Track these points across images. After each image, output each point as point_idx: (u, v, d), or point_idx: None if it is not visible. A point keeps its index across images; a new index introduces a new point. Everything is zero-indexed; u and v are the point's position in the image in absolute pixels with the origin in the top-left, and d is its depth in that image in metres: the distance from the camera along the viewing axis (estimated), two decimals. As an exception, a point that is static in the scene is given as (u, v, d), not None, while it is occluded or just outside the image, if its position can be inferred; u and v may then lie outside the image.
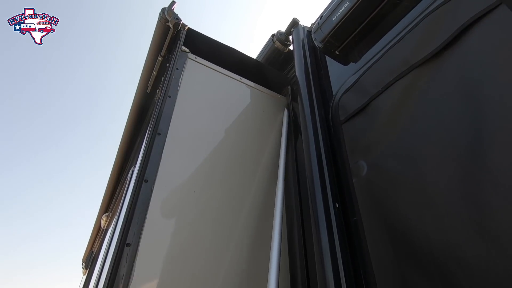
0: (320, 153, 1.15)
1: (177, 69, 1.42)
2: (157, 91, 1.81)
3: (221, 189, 1.27)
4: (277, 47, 1.87)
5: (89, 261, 3.29)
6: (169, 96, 1.30)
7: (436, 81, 0.90)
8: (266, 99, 1.77)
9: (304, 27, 1.74)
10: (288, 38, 1.85)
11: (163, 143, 1.18)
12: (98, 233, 3.34)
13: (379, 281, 0.84)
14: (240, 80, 1.72)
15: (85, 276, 3.54)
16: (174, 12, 1.46)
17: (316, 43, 1.49)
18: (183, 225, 1.10)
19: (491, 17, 0.80)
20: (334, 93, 1.34)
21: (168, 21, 1.46)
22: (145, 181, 1.05)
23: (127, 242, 0.91)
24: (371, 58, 1.19)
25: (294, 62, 1.60)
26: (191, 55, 1.56)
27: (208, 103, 1.48)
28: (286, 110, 1.74)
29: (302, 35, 1.68)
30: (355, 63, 1.31)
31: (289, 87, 1.85)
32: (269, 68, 1.88)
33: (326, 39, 1.40)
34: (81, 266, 4.07)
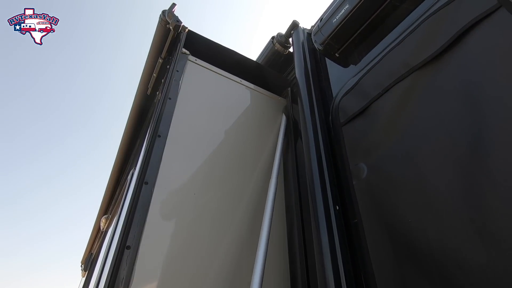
0: (320, 155, 1.15)
1: (177, 71, 1.42)
2: (157, 93, 1.82)
3: (221, 191, 1.27)
4: (277, 49, 1.87)
5: (88, 263, 3.28)
6: (169, 98, 1.30)
7: (436, 83, 0.90)
8: (266, 101, 1.77)
9: (304, 29, 1.74)
10: (288, 40, 1.85)
11: (163, 145, 1.18)
12: (98, 235, 3.33)
13: (379, 283, 0.84)
14: (240, 82, 1.72)
15: (84, 279, 3.53)
16: (174, 14, 1.46)
17: (316, 46, 1.49)
18: (183, 227, 1.10)
19: (490, 20, 0.81)
20: (334, 95, 1.34)
21: (168, 23, 1.47)
22: (145, 183, 1.04)
23: (127, 244, 0.91)
24: (371, 61, 1.19)
25: (294, 64, 1.60)
26: (191, 57, 1.56)
27: (208, 105, 1.49)
28: (284, 112, 1.74)
29: (302, 37, 1.68)
30: (355, 65, 1.32)
31: (289, 89, 1.85)
32: (269, 70, 1.88)
33: (326, 42, 1.40)
34: (80, 268, 4.06)
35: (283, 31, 1.88)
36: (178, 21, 1.46)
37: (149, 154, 1.11)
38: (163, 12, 1.48)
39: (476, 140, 0.74)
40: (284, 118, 1.70)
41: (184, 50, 1.52)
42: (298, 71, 1.52)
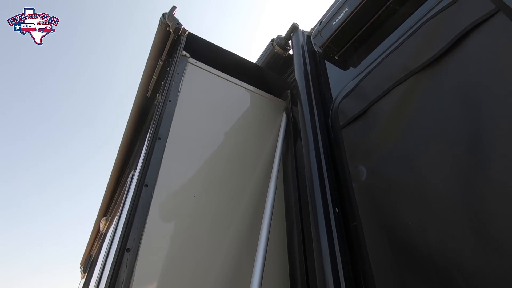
0: (320, 158, 1.15)
1: (177, 73, 1.42)
2: (157, 95, 1.82)
3: (221, 193, 1.27)
4: (277, 51, 1.88)
5: (88, 265, 3.28)
6: (170, 101, 1.31)
7: (435, 87, 0.90)
8: (266, 103, 1.78)
9: (303, 32, 1.75)
10: (288, 43, 1.86)
11: (163, 148, 1.18)
12: (97, 237, 3.33)
13: (378, 286, 0.84)
14: (240, 84, 1.72)
15: (83, 280, 3.52)
16: (174, 17, 1.47)
17: (316, 48, 1.50)
18: (183, 229, 1.10)
19: (489, 24, 0.81)
20: (333, 97, 1.34)
21: (168, 26, 1.47)
22: (145, 185, 1.05)
23: (127, 247, 0.91)
24: (371, 64, 1.20)
25: (293, 67, 1.61)
26: (191, 60, 1.57)
27: (208, 108, 1.49)
28: (284, 114, 1.74)
29: (301, 40, 1.69)
30: (355, 68, 1.32)
31: (289, 91, 1.86)
32: (268, 73, 1.89)
33: (326, 44, 1.41)
34: (80, 270, 4.05)
35: (283, 33, 1.88)
36: (178, 23, 1.46)
37: (149, 157, 1.11)
38: (164, 14, 1.49)
39: (475, 143, 0.75)
40: (283, 120, 1.70)
41: (184, 52, 1.53)
42: (298, 74, 1.52)
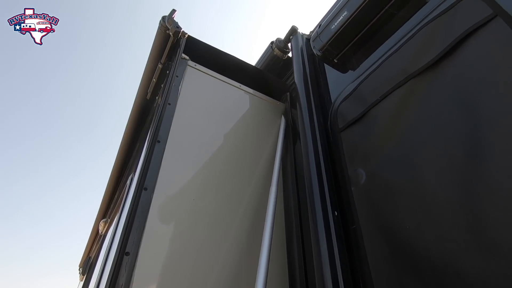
0: (319, 161, 1.15)
1: (177, 76, 1.43)
2: (157, 97, 1.82)
3: (220, 196, 1.28)
4: (276, 54, 1.88)
5: (87, 267, 3.27)
6: (169, 104, 1.31)
7: (433, 90, 0.91)
8: (265, 106, 1.78)
9: (303, 34, 1.76)
10: (287, 46, 1.87)
11: (162, 151, 1.18)
12: (96, 239, 3.32)
13: (378, 290, 0.84)
14: (239, 87, 1.73)
15: (82, 282, 3.51)
16: (174, 20, 1.47)
17: (315, 51, 1.50)
18: (182, 232, 1.10)
19: (486, 29, 0.82)
20: (332, 100, 1.35)
21: (168, 29, 1.48)
22: (145, 189, 1.05)
23: (126, 250, 0.91)
24: (369, 67, 1.21)
25: (293, 69, 1.61)
26: (190, 63, 1.57)
27: (207, 110, 1.49)
28: (283, 117, 1.75)
29: (301, 42, 1.70)
30: (354, 71, 1.33)
31: (288, 94, 1.86)
32: (268, 75, 1.89)
33: (325, 48, 1.41)
34: (78, 271, 4.04)
35: (283, 36, 1.89)
36: (178, 27, 1.47)
37: (148, 160, 1.11)
38: (163, 18, 1.50)
39: (473, 146, 0.75)
40: (283, 122, 1.71)
41: (183, 55, 1.53)
42: (297, 77, 1.53)
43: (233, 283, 1.09)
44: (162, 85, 1.62)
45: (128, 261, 0.90)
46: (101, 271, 1.41)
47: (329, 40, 1.38)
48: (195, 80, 1.54)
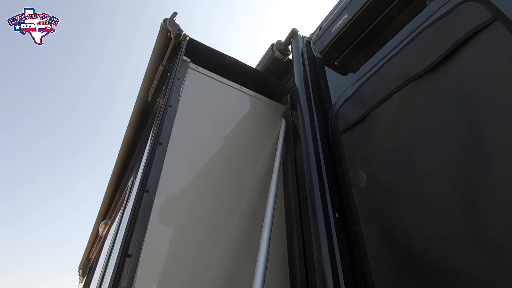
0: (319, 163, 1.16)
1: (178, 78, 1.43)
2: (158, 100, 1.83)
3: (222, 198, 1.28)
4: (277, 56, 1.89)
5: (86, 269, 3.26)
6: (170, 106, 1.32)
7: (433, 93, 0.91)
8: (266, 108, 1.79)
9: (303, 37, 1.77)
10: (288, 48, 1.87)
11: (164, 153, 1.18)
12: (96, 240, 3.32)
13: (379, 292, 0.85)
14: (240, 89, 1.73)
15: (82, 284, 3.50)
16: (175, 23, 1.48)
17: (315, 54, 1.51)
18: (184, 235, 1.10)
19: (486, 33, 0.83)
20: (333, 103, 1.36)
21: (169, 32, 1.49)
22: (146, 191, 1.05)
23: (128, 253, 0.92)
24: (370, 70, 1.21)
25: (293, 72, 1.62)
26: (192, 65, 1.58)
27: (208, 112, 1.50)
28: (283, 119, 1.75)
29: (301, 45, 1.70)
30: (354, 73, 1.34)
31: (289, 96, 1.87)
32: (268, 77, 1.90)
33: (325, 50, 1.42)
34: (78, 273, 4.03)
35: (283, 38, 1.90)
36: (179, 29, 1.48)
37: (150, 162, 1.12)
38: (165, 20, 1.50)
39: (473, 148, 0.76)
40: (283, 124, 1.71)
41: (185, 57, 1.54)
42: (298, 79, 1.54)
43: (235, 284, 1.09)
44: (163, 87, 1.62)
45: (130, 263, 0.91)
46: (102, 273, 1.41)
47: (330, 42, 1.39)
48: (196, 82, 1.55)
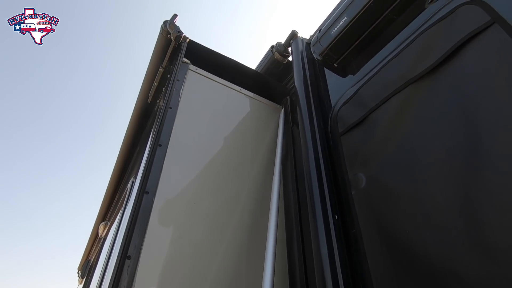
0: (319, 165, 1.16)
1: (178, 80, 1.44)
2: (158, 101, 1.83)
3: (222, 200, 1.28)
4: (276, 58, 1.90)
5: (86, 270, 3.26)
6: (170, 108, 1.32)
7: (432, 95, 0.92)
8: (266, 109, 1.79)
9: (303, 39, 1.77)
10: (287, 50, 1.88)
11: (164, 155, 1.19)
12: (95, 241, 3.31)
13: (378, 294, 0.85)
14: (239, 90, 1.74)
15: (81, 285, 3.49)
16: (175, 25, 1.48)
17: (315, 56, 1.52)
18: (184, 236, 1.11)
19: (484, 35, 0.83)
20: (333, 104, 1.36)
21: (169, 34, 1.49)
22: (146, 192, 1.05)
23: (128, 254, 0.92)
24: (369, 72, 1.22)
25: (293, 73, 1.62)
26: (192, 67, 1.58)
27: (208, 114, 1.50)
28: (283, 121, 1.75)
29: (301, 47, 1.71)
30: (353, 75, 1.34)
31: (288, 97, 1.87)
32: (268, 79, 1.90)
33: (325, 52, 1.43)
34: (77, 274, 4.02)
35: (283, 40, 1.90)
36: (179, 31, 1.48)
37: (150, 164, 1.12)
38: (165, 22, 1.51)
39: (472, 151, 0.76)
40: (283, 126, 1.71)
41: (185, 59, 1.55)
42: (297, 81, 1.54)
43: (235, 286, 1.09)
44: (163, 89, 1.63)
45: (130, 265, 0.91)
46: (102, 274, 1.41)
47: (329, 45, 1.40)
48: (196, 84, 1.55)
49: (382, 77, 1.14)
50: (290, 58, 1.90)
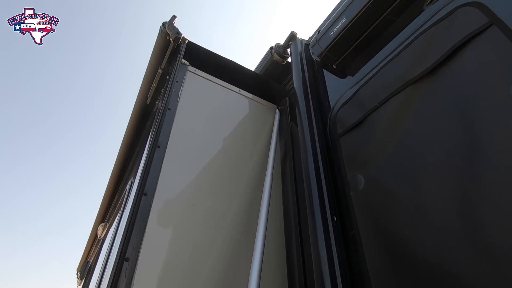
0: (318, 166, 1.16)
1: (177, 81, 1.44)
2: (157, 102, 1.83)
3: (220, 201, 1.28)
4: (275, 59, 1.90)
5: (85, 272, 3.25)
6: (169, 109, 1.32)
7: (431, 97, 0.92)
8: (264, 110, 1.79)
9: (302, 40, 1.77)
10: (286, 51, 1.88)
11: (162, 156, 1.19)
12: (94, 243, 3.31)
13: (377, 295, 0.85)
14: (238, 92, 1.74)
15: (80, 287, 3.48)
16: (174, 27, 1.48)
17: (314, 57, 1.52)
18: (182, 238, 1.10)
19: (483, 37, 0.84)
20: (331, 105, 1.36)
21: (168, 35, 1.49)
22: (145, 194, 1.05)
23: (126, 256, 0.91)
24: (368, 73, 1.22)
25: (292, 75, 1.62)
26: (190, 68, 1.58)
27: (207, 116, 1.50)
28: (281, 122, 1.75)
29: (300, 48, 1.71)
30: (352, 77, 1.34)
31: (287, 98, 1.87)
32: (267, 80, 1.90)
33: (324, 54, 1.43)
34: (76, 276, 4.01)
35: (282, 41, 1.91)
36: (178, 33, 1.48)
37: (148, 165, 1.12)
38: (164, 24, 1.51)
39: (471, 152, 0.76)
40: (282, 127, 1.71)
41: (183, 60, 1.55)
42: (296, 82, 1.54)
43: (233, 288, 1.09)
44: (162, 90, 1.63)
45: (128, 267, 0.91)
46: (100, 276, 1.41)
47: (328, 46, 1.40)
48: (195, 85, 1.55)
49: (381, 79, 1.14)
50: (289, 60, 1.90)
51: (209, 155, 1.38)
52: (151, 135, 1.33)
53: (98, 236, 2.65)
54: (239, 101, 1.72)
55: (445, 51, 0.90)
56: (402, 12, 1.19)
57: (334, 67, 1.46)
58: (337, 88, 1.40)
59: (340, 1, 1.51)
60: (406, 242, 0.83)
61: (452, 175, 0.78)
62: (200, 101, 1.53)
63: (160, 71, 1.66)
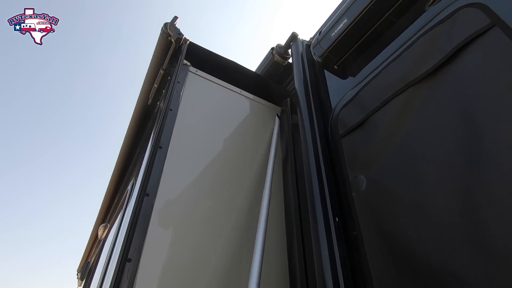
0: (319, 167, 1.16)
1: (178, 82, 1.44)
2: (158, 103, 1.83)
3: (222, 202, 1.28)
4: (277, 60, 1.90)
5: (85, 272, 3.25)
6: (171, 110, 1.32)
7: (432, 98, 0.92)
8: (266, 111, 1.79)
9: (303, 41, 1.77)
10: (288, 52, 1.88)
11: (164, 157, 1.19)
12: (95, 243, 3.31)
13: (379, 296, 0.85)
14: (240, 92, 1.74)
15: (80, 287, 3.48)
16: (176, 27, 1.49)
17: (315, 58, 1.52)
18: (184, 238, 1.10)
19: (484, 38, 0.84)
20: (333, 106, 1.36)
21: (170, 36, 1.49)
22: (147, 195, 1.05)
23: (128, 257, 0.91)
24: (369, 74, 1.22)
25: (293, 75, 1.63)
26: (192, 69, 1.58)
27: (208, 116, 1.50)
28: (282, 122, 1.75)
29: (301, 49, 1.71)
30: (354, 78, 1.34)
31: (288, 99, 1.87)
32: (268, 81, 1.91)
33: (325, 54, 1.43)
34: (76, 276, 4.01)
35: (283, 42, 1.91)
36: (180, 34, 1.49)
37: (150, 166, 1.12)
38: (165, 25, 1.51)
39: (473, 153, 0.76)
40: (283, 128, 1.71)
41: (185, 61, 1.55)
42: (298, 82, 1.54)
43: (234, 289, 1.09)
44: (163, 91, 1.63)
45: (130, 268, 0.91)
46: (102, 277, 1.41)
47: (329, 47, 1.40)
48: (197, 86, 1.55)
49: (382, 79, 1.14)
50: (290, 60, 1.91)
51: (210, 156, 1.38)
52: (153, 135, 1.33)
53: (99, 237, 2.65)
54: (240, 102, 1.72)
55: (447, 52, 0.91)
56: (404, 13, 1.20)
57: (336, 68, 1.46)
58: (339, 89, 1.40)
59: (341, 2, 1.51)
60: (408, 243, 0.83)
61: (454, 176, 0.78)
62: (202, 101, 1.53)
63: (161, 71, 1.66)
